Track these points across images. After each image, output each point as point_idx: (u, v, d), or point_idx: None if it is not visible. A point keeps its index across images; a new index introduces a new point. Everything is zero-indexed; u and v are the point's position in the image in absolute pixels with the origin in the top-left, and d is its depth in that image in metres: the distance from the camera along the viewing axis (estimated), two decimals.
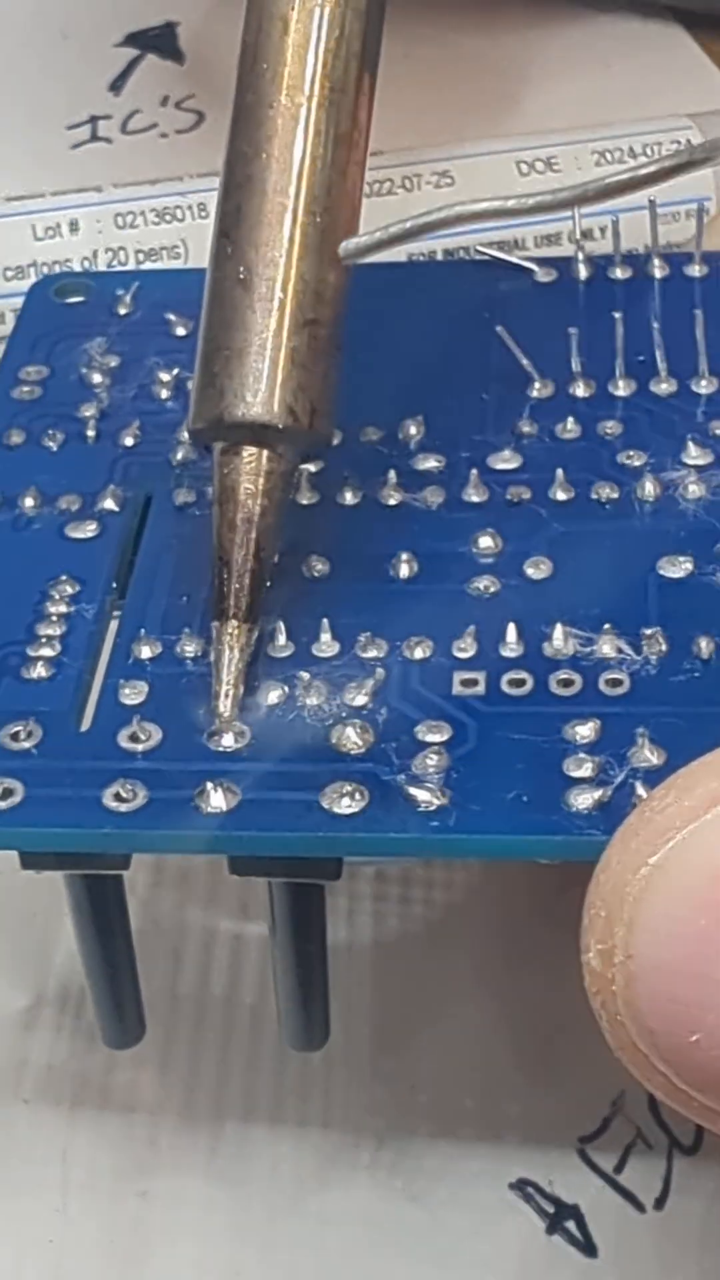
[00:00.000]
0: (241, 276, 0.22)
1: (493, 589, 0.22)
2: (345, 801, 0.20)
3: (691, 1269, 0.24)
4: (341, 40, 0.23)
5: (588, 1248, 0.24)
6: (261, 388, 0.22)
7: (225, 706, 0.21)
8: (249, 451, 0.22)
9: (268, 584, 0.22)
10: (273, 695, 0.21)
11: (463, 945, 0.26)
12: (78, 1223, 0.24)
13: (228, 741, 0.21)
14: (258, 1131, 0.25)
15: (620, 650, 0.21)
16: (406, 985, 0.26)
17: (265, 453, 0.22)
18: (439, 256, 0.33)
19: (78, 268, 0.32)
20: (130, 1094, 0.25)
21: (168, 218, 0.33)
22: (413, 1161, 0.24)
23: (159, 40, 0.41)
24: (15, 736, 0.21)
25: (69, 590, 0.23)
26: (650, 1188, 0.24)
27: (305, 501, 0.24)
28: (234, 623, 0.22)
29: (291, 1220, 0.24)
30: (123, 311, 0.27)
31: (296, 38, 0.23)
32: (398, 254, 0.32)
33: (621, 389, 0.25)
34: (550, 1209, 0.24)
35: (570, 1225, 0.24)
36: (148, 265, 0.33)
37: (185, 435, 0.24)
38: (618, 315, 0.25)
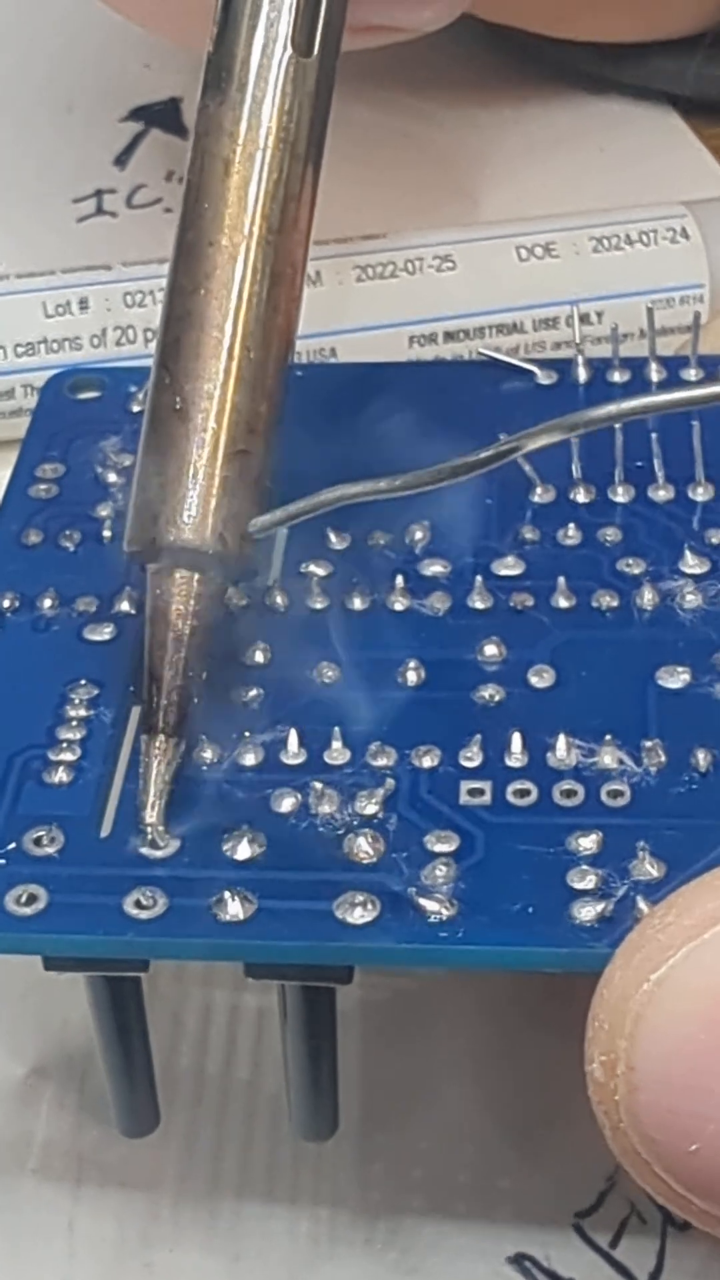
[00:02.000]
0: (178, 406, 0.23)
1: (498, 697, 0.23)
2: (358, 911, 0.21)
3: None
4: (280, 183, 0.24)
5: None
6: (194, 515, 0.23)
7: (151, 816, 0.22)
8: (181, 574, 0.23)
9: (195, 700, 0.23)
10: (287, 803, 0.22)
11: (455, 1023, 0.26)
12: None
13: (156, 850, 0.22)
14: (253, 1207, 0.25)
15: (621, 761, 0.22)
16: (399, 1062, 0.26)
17: (196, 576, 0.23)
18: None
19: (87, 345, 0.33)
20: (131, 1169, 0.26)
21: None
22: (408, 1236, 0.25)
23: (163, 115, 0.41)
24: (38, 842, 0.22)
25: (88, 694, 0.24)
26: (645, 1263, 0.25)
27: (318, 606, 0.25)
28: (161, 737, 0.23)
29: None
30: (136, 409, 0.28)
31: (237, 180, 0.24)
32: (410, 354, 0.33)
33: (620, 495, 0.26)
34: None
35: None
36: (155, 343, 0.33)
37: None
38: (618, 425, 0.26)
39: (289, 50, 0.24)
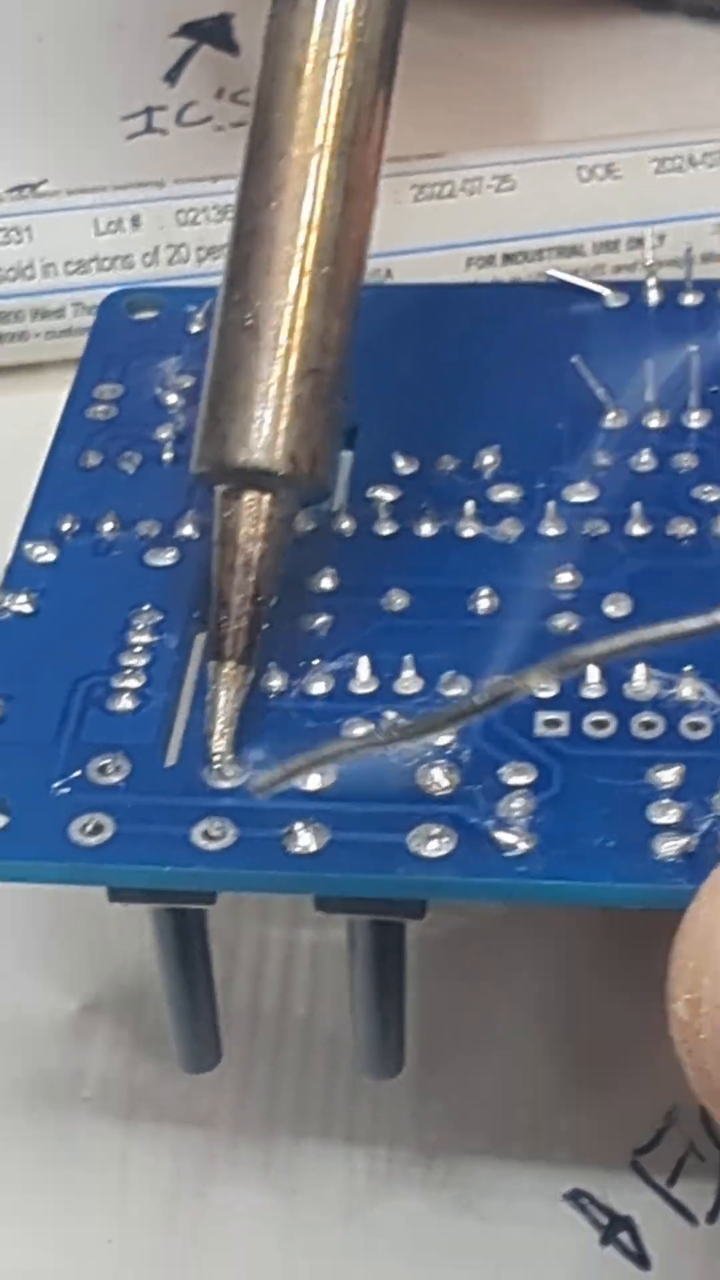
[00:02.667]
0: (248, 323, 0.23)
1: (573, 626, 0.23)
2: (433, 844, 0.20)
3: None
4: (354, 92, 0.23)
5: (641, 1260, 0.24)
6: (265, 434, 0.23)
7: (220, 745, 0.22)
8: (250, 496, 0.23)
9: (265, 626, 0.22)
10: (358, 733, 0.22)
11: (513, 961, 0.26)
12: (136, 1223, 0.25)
13: (224, 780, 0.21)
14: (309, 1144, 0.25)
15: (701, 693, 0.22)
16: (457, 1001, 0.26)
17: (266, 498, 0.23)
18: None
19: (139, 264, 0.33)
20: (186, 1105, 0.25)
21: (228, 215, 0.33)
22: (464, 1175, 0.25)
23: (214, 31, 0.41)
24: (103, 770, 0.22)
25: (151, 619, 0.23)
26: (703, 1201, 0.24)
27: (386, 532, 0.24)
28: (230, 664, 0.22)
29: (343, 1233, 0.24)
30: (195, 330, 0.27)
31: (310, 88, 0.23)
32: (466, 275, 0.32)
33: (696, 421, 0.25)
34: (604, 1221, 0.24)
35: (624, 1237, 0.24)
36: (208, 262, 0.33)
37: None
38: (694, 349, 0.25)
39: None
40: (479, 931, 0.27)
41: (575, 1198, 0.24)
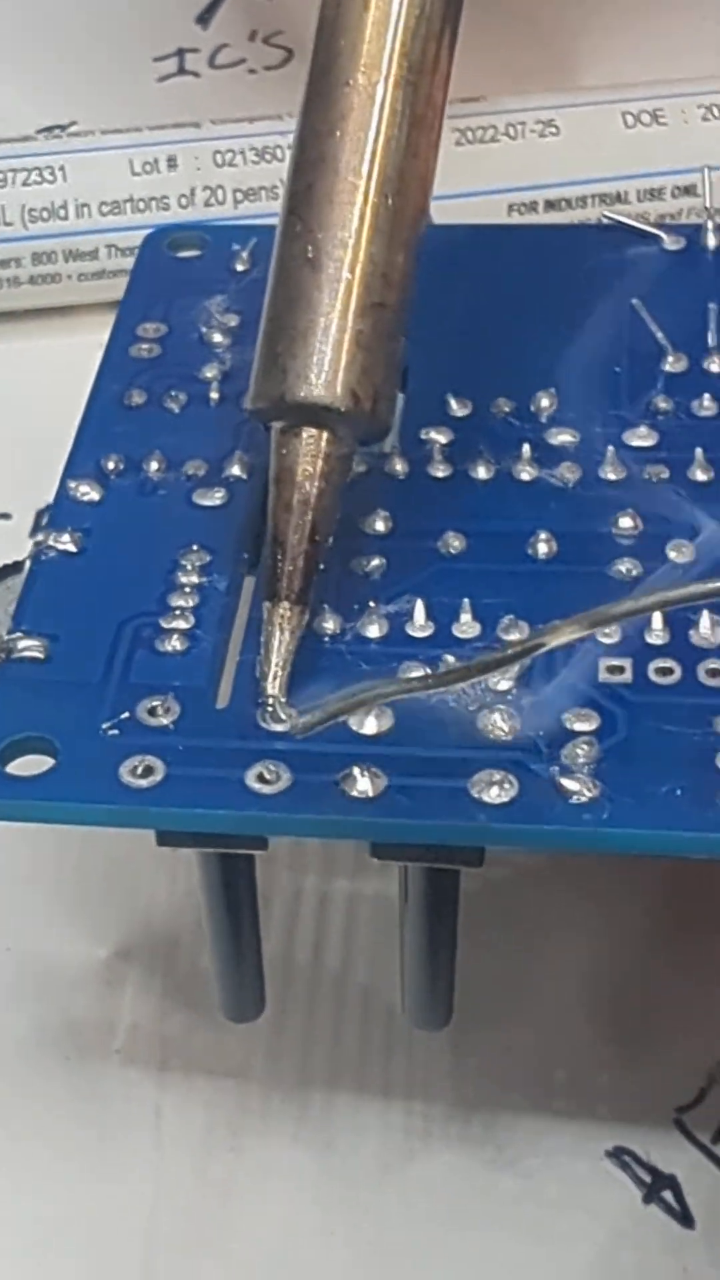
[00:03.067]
0: (310, 256, 0.22)
1: (635, 572, 0.22)
2: (494, 790, 0.20)
3: None
4: (421, 19, 0.23)
5: (685, 1219, 0.24)
6: (325, 370, 0.22)
7: (274, 688, 0.21)
8: (309, 433, 0.22)
9: (321, 567, 0.22)
10: (415, 675, 0.21)
11: (554, 918, 0.26)
12: (170, 1176, 0.24)
13: (278, 724, 0.21)
14: (345, 1098, 0.25)
15: None
16: (496, 957, 0.26)
17: (325, 435, 0.22)
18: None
19: (175, 205, 0.32)
20: (219, 1056, 0.25)
21: (267, 157, 0.32)
22: (504, 1131, 0.24)
23: None
24: (153, 712, 0.21)
25: (200, 560, 0.23)
26: None
27: (440, 475, 0.24)
28: (285, 604, 0.22)
29: (379, 1189, 0.24)
30: (241, 268, 0.27)
31: (376, 15, 0.23)
32: (509, 221, 0.32)
33: None
34: (647, 1178, 0.24)
35: (667, 1195, 0.24)
36: (245, 205, 0.32)
37: None
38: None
39: None
40: (518, 887, 0.26)
41: (617, 1155, 0.24)
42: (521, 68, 0.36)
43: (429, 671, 0.21)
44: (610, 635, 0.21)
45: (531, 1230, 0.24)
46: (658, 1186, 0.24)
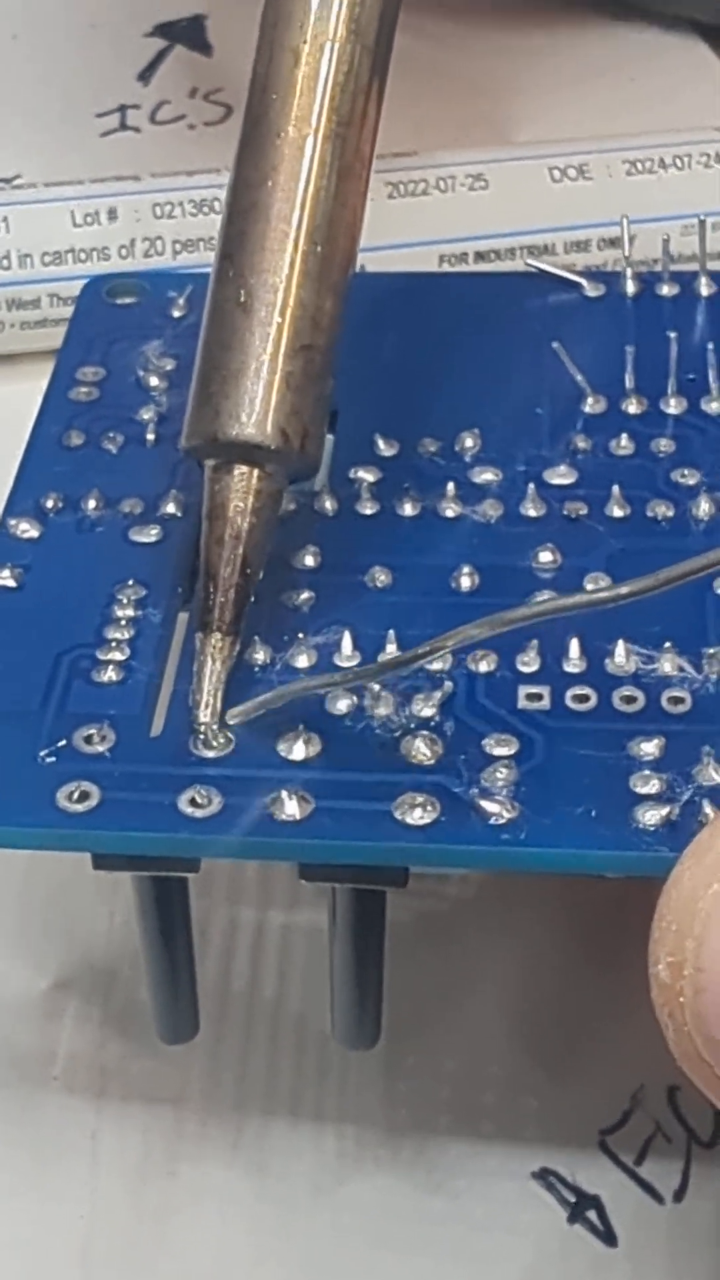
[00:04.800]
0: (241, 300, 0.23)
1: None
2: (417, 812, 0.21)
3: (707, 1261, 0.24)
4: (350, 75, 0.24)
5: (608, 1238, 0.24)
6: (256, 409, 0.23)
7: (205, 715, 0.22)
8: (240, 470, 0.23)
9: (252, 599, 0.23)
10: (342, 705, 0.22)
11: (481, 943, 0.26)
12: (106, 1200, 0.25)
13: (209, 750, 0.21)
14: (278, 1122, 0.25)
15: (681, 669, 0.22)
16: (425, 982, 0.26)
17: (256, 472, 0.23)
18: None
19: (115, 256, 0.33)
20: (156, 1083, 0.26)
21: (205, 209, 0.33)
22: (433, 1154, 0.25)
23: (188, 32, 0.41)
24: (89, 740, 0.22)
25: (135, 594, 0.23)
26: (669, 1180, 0.25)
27: (368, 512, 0.24)
28: (217, 635, 0.22)
29: (312, 1211, 0.24)
30: (177, 314, 0.28)
31: (307, 70, 0.24)
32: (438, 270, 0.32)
33: (673, 407, 0.26)
34: (572, 1199, 0.24)
35: (592, 1215, 0.24)
36: (184, 256, 0.33)
37: None
38: (672, 335, 0.25)
39: None
40: (447, 917, 0.27)
41: (543, 1176, 0.25)
42: (456, 124, 0.37)
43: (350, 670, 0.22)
44: (530, 664, 0.22)
45: (460, 1251, 0.24)
46: (582, 1207, 0.24)
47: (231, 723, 0.21)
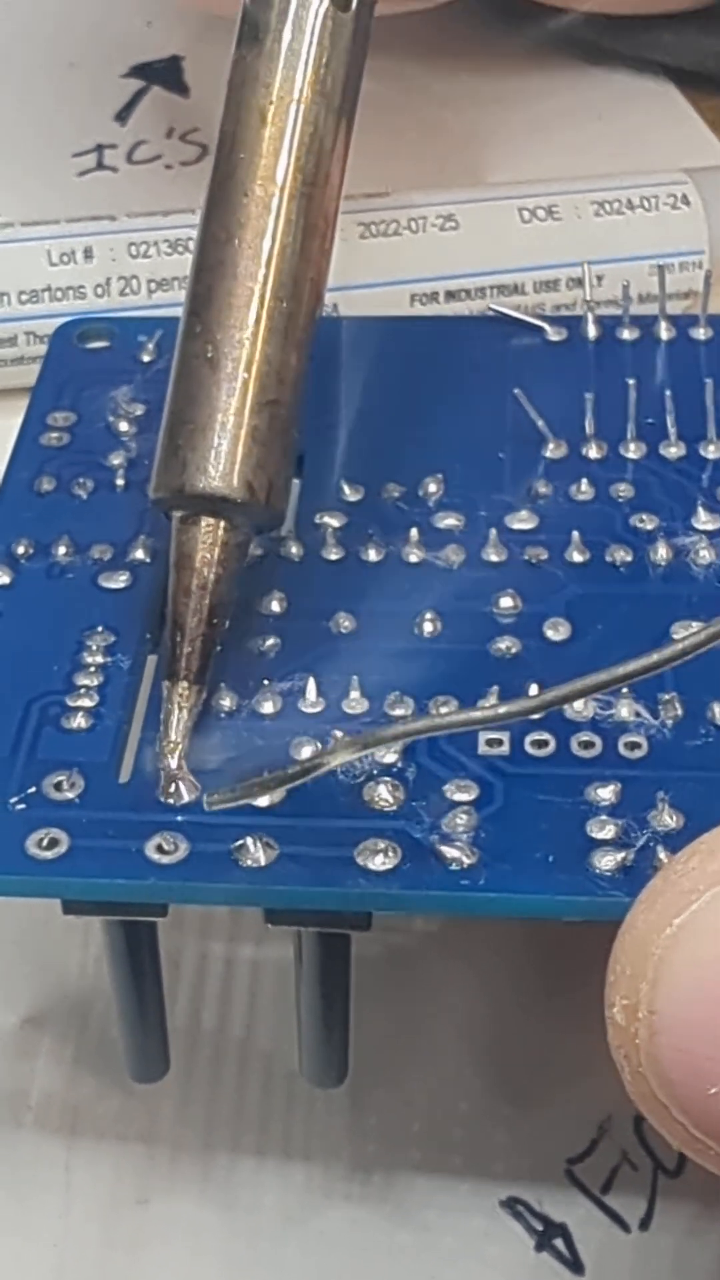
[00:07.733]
0: (208, 355, 0.23)
1: (514, 649, 0.23)
2: (379, 858, 0.21)
3: None
4: (315, 136, 0.24)
5: (575, 1265, 0.24)
6: (222, 463, 0.23)
7: (174, 762, 0.22)
8: (207, 522, 0.23)
9: (218, 648, 0.23)
10: (306, 751, 0.22)
11: (447, 979, 0.27)
12: (78, 1235, 0.25)
13: (181, 795, 0.22)
14: (248, 1158, 0.25)
15: (638, 714, 0.22)
16: (393, 1018, 0.26)
17: (222, 524, 0.23)
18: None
19: (91, 294, 0.33)
20: (127, 1120, 0.26)
21: (180, 249, 0.33)
22: (402, 1187, 0.25)
23: (164, 73, 0.41)
24: (58, 786, 0.22)
25: (104, 641, 0.24)
26: (635, 1209, 0.25)
27: (333, 557, 0.25)
28: (184, 684, 0.23)
29: (281, 1244, 0.25)
30: (147, 359, 0.28)
31: (273, 130, 0.24)
32: (410, 312, 0.33)
33: (633, 452, 0.26)
34: (539, 1227, 0.25)
35: (559, 1243, 0.25)
36: (159, 295, 0.33)
37: None
38: (631, 382, 0.26)
39: (326, 3, 0.24)
40: (412, 952, 0.27)
41: (511, 1205, 0.25)
42: (430, 166, 0.38)
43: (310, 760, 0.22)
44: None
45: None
46: (549, 1235, 0.25)
47: (209, 810, 0.21)
